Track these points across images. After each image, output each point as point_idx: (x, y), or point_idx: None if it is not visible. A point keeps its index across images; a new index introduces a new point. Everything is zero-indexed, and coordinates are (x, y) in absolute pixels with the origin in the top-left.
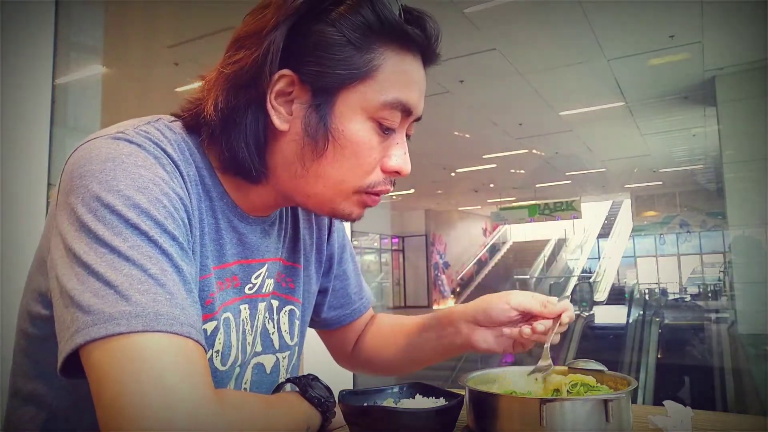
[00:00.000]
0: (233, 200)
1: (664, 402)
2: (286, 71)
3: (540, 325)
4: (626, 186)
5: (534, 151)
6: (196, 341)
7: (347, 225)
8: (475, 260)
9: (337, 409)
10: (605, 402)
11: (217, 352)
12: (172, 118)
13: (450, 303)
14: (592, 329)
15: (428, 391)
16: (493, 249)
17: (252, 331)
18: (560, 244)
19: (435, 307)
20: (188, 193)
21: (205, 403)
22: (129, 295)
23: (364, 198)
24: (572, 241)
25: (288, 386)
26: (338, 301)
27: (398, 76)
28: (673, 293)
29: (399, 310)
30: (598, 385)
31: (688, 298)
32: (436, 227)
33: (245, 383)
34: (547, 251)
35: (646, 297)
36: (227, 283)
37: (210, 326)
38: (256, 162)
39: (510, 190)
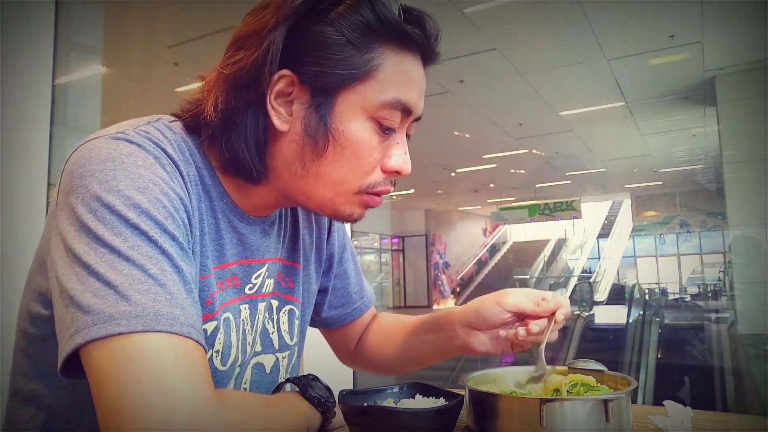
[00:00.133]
0: (233, 200)
1: (664, 402)
2: (285, 71)
3: (535, 326)
4: (626, 186)
5: (534, 151)
6: (196, 341)
7: (347, 224)
8: (475, 260)
9: (337, 409)
10: (605, 402)
11: (217, 352)
12: (172, 119)
13: (450, 303)
14: (592, 329)
15: (428, 391)
16: (493, 249)
17: (252, 331)
18: (560, 244)
19: (435, 307)
20: (188, 193)
21: (205, 403)
22: (129, 295)
23: (365, 198)
24: (572, 241)
25: (288, 386)
26: (339, 301)
27: (398, 75)
28: (673, 293)
29: (399, 310)
30: (598, 385)
31: (688, 298)
32: (436, 227)
33: (245, 383)
34: (547, 251)
35: (646, 297)
36: (227, 283)
37: (210, 326)
38: (257, 162)
39: (510, 190)
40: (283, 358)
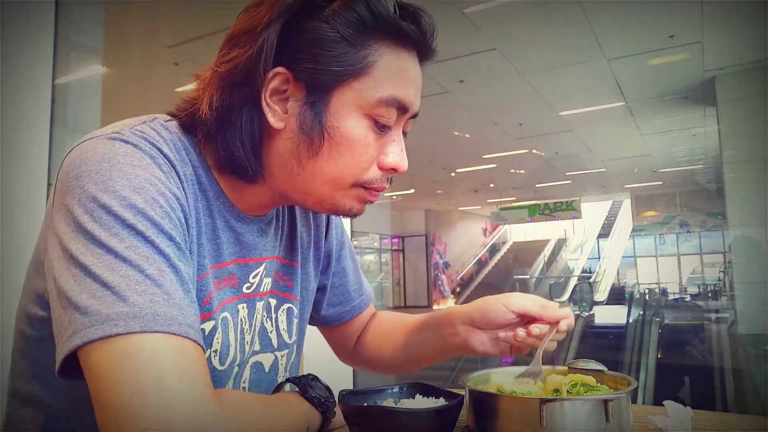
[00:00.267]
0: (230, 199)
1: (664, 402)
2: (280, 69)
3: (535, 329)
4: (626, 186)
5: (534, 151)
6: (194, 341)
7: (347, 223)
8: (475, 260)
9: (337, 409)
10: (605, 402)
11: (215, 351)
12: (168, 118)
13: (450, 303)
14: (592, 329)
15: (428, 391)
16: (493, 249)
17: (250, 331)
18: (560, 244)
19: (435, 307)
20: (185, 193)
21: (204, 403)
22: (126, 296)
23: (363, 193)
24: (572, 241)
25: (288, 386)
26: (337, 299)
27: (394, 72)
28: (673, 293)
29: (399, 310)
30: (598, 385)
31: (688, 298)
32: (436, 227)
33: (244, 382)
34: (547, 251)
35: (646, 297)
36: (225, 283)
37: (208, 326)
38: (252, 161)
39: (510, 190)
40: (282, 356)
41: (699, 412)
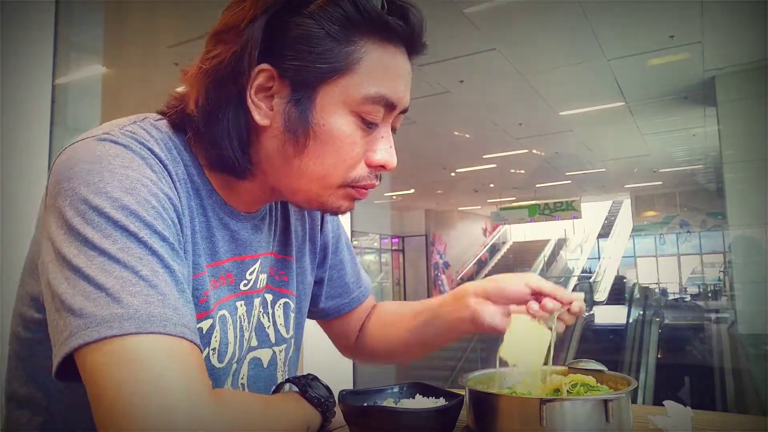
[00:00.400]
0: (222, 197)
1: (664, 402)
2: (265, 66)
3: (549, 303)
4: (626, 186)
5: (534, 151)
6: (190, 341)
7: (346, 223)
8: (475, 260)
9: (337, 409)
10: (605, 402)
11: (214, 349)
12: (159, 117)
13: None
14: (592, 329)
15: (428, 391)
16: (493, 249)
17: (249, 327)
18: (560, 244)
19: None
20: (177, 193)
21: (202, 403)
22: (120, 298)
23: (351, 192)
24: (572, 241)
25: (287, 386)
26: (336, 291)
27: (380, 69)
28: (673, 293)
29: None
30: (598, 385)
31: (688, 298)
32: (436, 227)
33: (242, 378)
34: (547, 251)
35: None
36: (221, 281)
37: (205, 324)
38: (240, 158)
39: (510, 190)
40: (280, 351)
41: (699, 412)
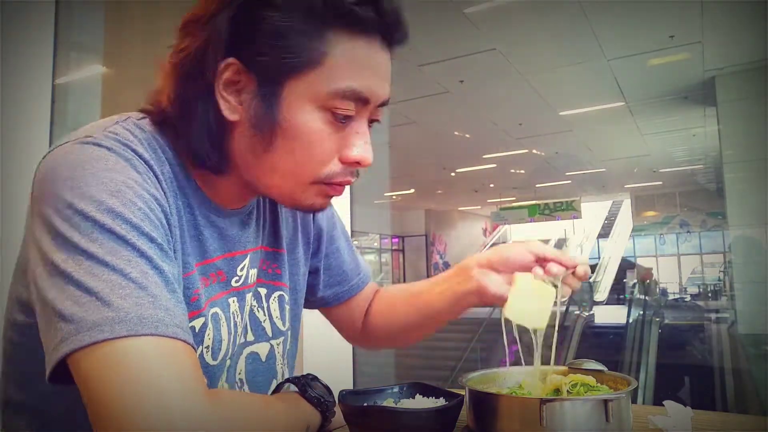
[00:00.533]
0: (207, 195)
1: (664, 402)
2: (231, 60)
3: (554, 267)
4: (626, 186)
5: (534, 151)
6: (184, 341)
7: (347, 222)
8: None
9: (337, 409)
10: (605, 402)
11: (207, 347)
12: (141, 115)
13: None
14: (592, 329)
15: (428, 391)
16: None
17: (241, 323)
18: (560, 244)
19: None
20: (164, 192)
21: (199, 403)
22: (111, 301)
23: (325, 188)
24: (572, 241)
25: (287, 386)
26: (334, 279)
27: (350, 62)
28: (673, 293)
29: None
30: (598, 385)
31: (688, 298)
32: (436, 227)
33: (240, 374)
34: None
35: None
36: (212, 279)
37: (198, 323)
38: (212, 153)
39: (510, 190)
40: (278, 344)
41: (699, 412)
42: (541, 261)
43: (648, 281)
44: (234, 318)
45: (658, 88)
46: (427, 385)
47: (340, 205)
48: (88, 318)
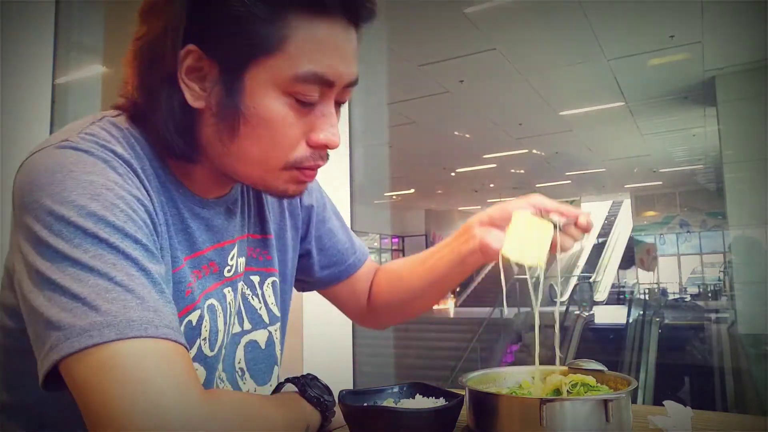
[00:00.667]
0: (187, 187)
1: (664, 402)
2: (191, 46)
3: (555, 216)
4: (626, 186)
5: (534, 151)
6: (175, 341)
7: (346, 221)
8: None
9: (337, 409)
10: (605, 402)
11: (205, 339)
12: (116, 112)
13: (450, 303)
14: (592, 329)
15: (428, 391)
16: None
17: (233, 312)
18: None
19: (434, 306)
20: (147, 191)
21: (195, 404)
22: (98, 306)
23: (296, 174)
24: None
25: (287, 386)
26: (329, 260)
27: (311, 45)
28: (673, 293)
29: None
30: (598, 385)
31: (688, 298)
32: (436, 227)
33: (239, 363)
34: None
35: (646, 297)
36: (204, 271)
37: (194, 316)
38: (179, 141)
39: (510, 190)
40: (276, 330)
41: (699, 412)
42: (542, 213)
43: (652, 254)
44: (230, 308)
45: (658, 88)
46: (427, 385)
47: (340, 204)
48: (76, 324)
